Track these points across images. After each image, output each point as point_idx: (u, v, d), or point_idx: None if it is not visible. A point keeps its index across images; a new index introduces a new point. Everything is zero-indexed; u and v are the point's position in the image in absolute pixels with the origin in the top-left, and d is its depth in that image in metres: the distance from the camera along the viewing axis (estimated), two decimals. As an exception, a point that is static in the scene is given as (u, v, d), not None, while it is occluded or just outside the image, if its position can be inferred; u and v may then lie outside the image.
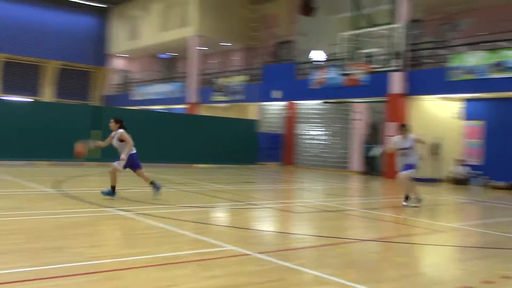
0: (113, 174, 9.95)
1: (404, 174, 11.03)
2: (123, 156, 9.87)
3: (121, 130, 10.05)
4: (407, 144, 11.02)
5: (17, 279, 4.49)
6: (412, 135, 11.31)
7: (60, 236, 6.46)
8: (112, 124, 10.17)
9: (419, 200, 11.20)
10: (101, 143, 10.51)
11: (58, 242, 6.07)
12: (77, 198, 10.08)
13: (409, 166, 10.99)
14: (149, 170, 18.33)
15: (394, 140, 11.37)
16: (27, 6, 33.66)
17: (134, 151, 10.13)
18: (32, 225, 7.14)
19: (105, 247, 6.22)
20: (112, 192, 9.95)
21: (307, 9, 26.47)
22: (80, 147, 10.19)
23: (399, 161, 11.31)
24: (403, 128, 11.21)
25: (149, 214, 8.31)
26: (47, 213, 8.19)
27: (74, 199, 9.96)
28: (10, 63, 34.54)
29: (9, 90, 34.26)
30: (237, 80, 28.12)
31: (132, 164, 10.16)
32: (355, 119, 23.45)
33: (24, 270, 4.79)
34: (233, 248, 6.16)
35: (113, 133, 10.21)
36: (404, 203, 11.16)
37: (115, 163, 9.90)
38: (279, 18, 29.53)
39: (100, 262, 5.27)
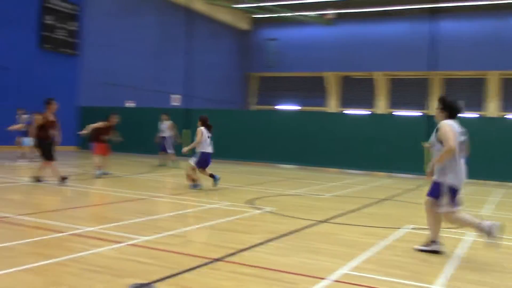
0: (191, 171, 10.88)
1: None
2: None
3: (199, 128, 10.74)
4: None
5: None
6: None
7: None
8: (198, 123, 11.00)
9: None
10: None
11: None
12: None
13: None
14: None
15: None
16: None
17: (205, 151, 10.66)
18: None
19: None
20: (195, 186, 10.85)
21: None
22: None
23: None
24: None
25: None
26: None
27: None
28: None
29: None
30: None
31: (199, 161, 10.75)
32: None
33: None
34: None
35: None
36: None
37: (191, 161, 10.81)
38: None
39: None
